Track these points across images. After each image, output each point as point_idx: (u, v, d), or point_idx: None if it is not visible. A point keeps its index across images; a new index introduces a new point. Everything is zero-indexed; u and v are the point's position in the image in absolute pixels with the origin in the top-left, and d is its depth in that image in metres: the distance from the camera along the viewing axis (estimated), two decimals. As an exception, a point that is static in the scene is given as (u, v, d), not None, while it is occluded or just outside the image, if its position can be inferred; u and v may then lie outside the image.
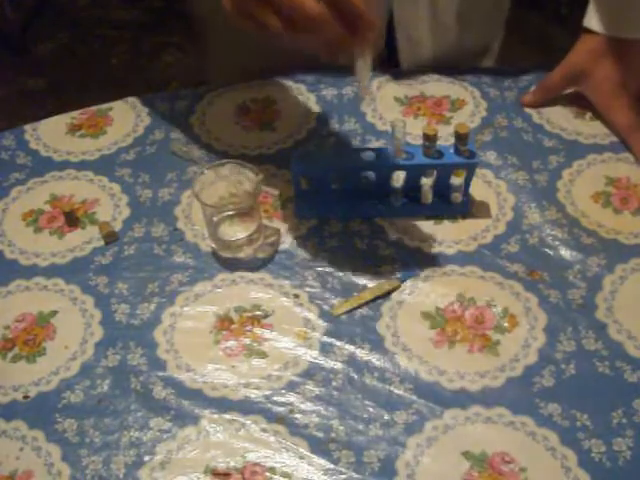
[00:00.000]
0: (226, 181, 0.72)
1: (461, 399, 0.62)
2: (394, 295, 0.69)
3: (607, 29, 0.78)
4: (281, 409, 0.62)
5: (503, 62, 1.01)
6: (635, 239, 0.73)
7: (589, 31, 0.80)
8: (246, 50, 0.71)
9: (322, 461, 0.59)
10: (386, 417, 0.61)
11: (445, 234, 0.74)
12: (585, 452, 0.59)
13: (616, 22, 0.78)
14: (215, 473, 0.58)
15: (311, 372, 0.64)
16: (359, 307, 0.68)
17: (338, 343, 0.66)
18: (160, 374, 0.65)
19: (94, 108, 0.88)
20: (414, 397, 0.62)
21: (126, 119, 0.87)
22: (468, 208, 0.75)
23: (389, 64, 0.92)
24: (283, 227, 0.75)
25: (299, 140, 0.83)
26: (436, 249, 0.72)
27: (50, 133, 0.86)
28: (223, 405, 0.62)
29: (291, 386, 0.63)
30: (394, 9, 0.87)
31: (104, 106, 0.89)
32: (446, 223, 0.75)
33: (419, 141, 0.72)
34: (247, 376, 0.64)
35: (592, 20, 0.79)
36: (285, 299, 0.69)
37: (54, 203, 0.78)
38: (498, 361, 0.64)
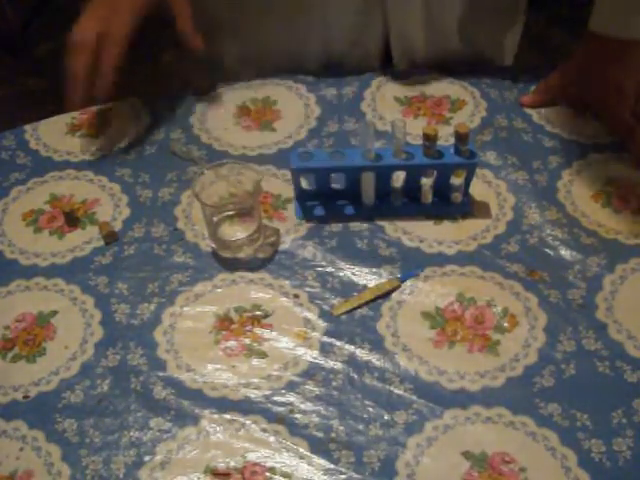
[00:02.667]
0: (226, 181, 0.72)
1: (461, 399, 0.62)
2: (394, 295, 0.69)
3: (609, 30, 0.78)
4: (281, 409, 0.62)
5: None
6: (635, 239, 0.73)
7: (592, 33, 0.80)
8: None
9: (322, 461, 0.59)
10: (386, 417, 0.61)
11: (445, 234, 0.74)
12: (585, 452, 0.59)
13: (617, 23, 0.78)
14: (215, 473, 0.58)
15: (311, 372, 0.64)
16: (359, 307, 0.68)
17: (338, 343, 0.66)
18: (160, 374, 0.65)
19: (94, 108, 0.88)
20: (414, 397, 0.62)
21: (126, 119, 0.87)
22: (468, 208, 0.75)
23: (385, 65, 0.92)
24: (283, 227, 0.75)
25: (299, 140, 0.83)
26: (436, 249, 0.72)
27: (50, 133, 0.86)
28: (223, 405, 0.62)
29: (291, 386, 0.63)
30: (388, 13, 0.87)
31: (104, 106, 0.89)
32: (446, 223, 0.75)
33: (419, 141, 0.72)
34: (247, 376, 0.64)
35: (596, 22, 0.79)
36: (285, 299, 0.69)
37: (54, 203, 0.78)
38: (498, 361, 0.64)
